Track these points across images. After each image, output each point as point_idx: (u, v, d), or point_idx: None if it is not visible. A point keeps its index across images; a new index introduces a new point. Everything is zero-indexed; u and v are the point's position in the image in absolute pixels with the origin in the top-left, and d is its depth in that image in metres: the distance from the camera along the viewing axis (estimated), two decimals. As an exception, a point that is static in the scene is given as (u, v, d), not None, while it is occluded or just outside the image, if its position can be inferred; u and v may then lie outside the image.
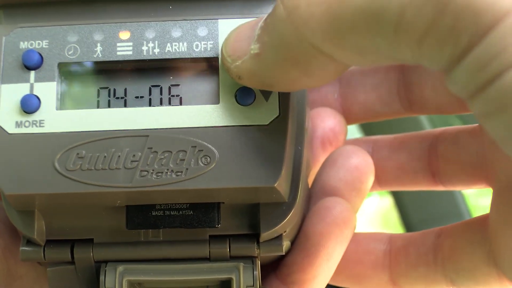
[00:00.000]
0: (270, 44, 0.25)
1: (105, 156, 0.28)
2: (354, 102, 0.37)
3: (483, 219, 0.32)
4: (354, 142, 0.38)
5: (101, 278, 0.30)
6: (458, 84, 0.22)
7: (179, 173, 0.27)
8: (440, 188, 0.36)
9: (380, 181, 0.37)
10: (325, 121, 0.35)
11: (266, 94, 0.28)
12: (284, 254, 0.31)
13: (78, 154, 0.28)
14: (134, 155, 0.28)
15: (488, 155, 0.33)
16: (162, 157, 0.28)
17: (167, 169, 0.27)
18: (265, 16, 0.26)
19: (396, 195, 0.78)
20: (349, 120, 0.38)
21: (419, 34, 0.22)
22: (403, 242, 0.35)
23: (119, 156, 0.28)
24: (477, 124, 0.35)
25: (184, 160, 0.28)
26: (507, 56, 0.20)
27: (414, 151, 0.36)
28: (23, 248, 0.30)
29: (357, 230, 0.36)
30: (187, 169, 0.27)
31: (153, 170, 0.27)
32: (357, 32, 0.23)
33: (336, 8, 0.23)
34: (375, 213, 0.79)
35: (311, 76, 0.26)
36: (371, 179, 0.34)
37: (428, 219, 0.75)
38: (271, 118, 0.28)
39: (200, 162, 0.28)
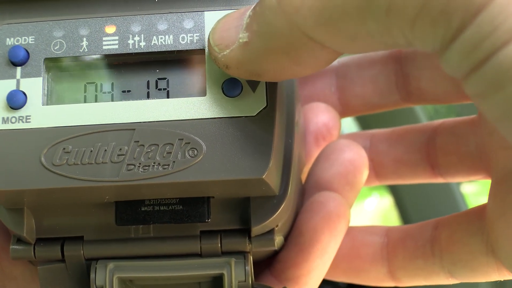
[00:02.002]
0: (259, 32, 0.25)
1: (91, 151, 0.27)
2: (352, 94, 0.37)
3: (481, 210, 0.32)
4: (352, 136, 0.38)
5: (92, 275, 0.29)
6: (452, 64, 0.22)
7: (166, 166, 0.27)
8: (440, 180, 0.36)
9: (378, 174, 0.37)
10: (318, 116, 0.35)
11: (253, 85, 0.28)
12: (276, 249, 0.31)
13: (64, 149, 0.27)
14: (120, 149, 0.27)
15: (486, 146, 0.33)
16: (149, 150, 0.27)
17: (154, 163, 0.27)
18: (253, 4, 0.26)
19: (396, 195, 0.78)
20: (347, 113, 0.37)
21: (411, 16, 0.22)
22: (400, 235, 0.34)
23: (105, 150, 0.27)
24: (475, 115, 0.34)
25: (171, 153, 0.27)
26: (498, 36, 0.20)
27: (412, 144, 0.36)
28: (13, 246, 0.30)
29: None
30: (174, 162, 0.27)
31: (139, 163, 0.27)
32: (349, 17, 0.23)
33: None
34: (375, 213, 0.79)
35: (301, 64, 0.26)
36: (365, 173, 0.34)
37: (428, 219, 0.75)
38: (259, 109, 0.28)
39: (187, 154, 0.27)
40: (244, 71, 0.27)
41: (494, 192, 0.30)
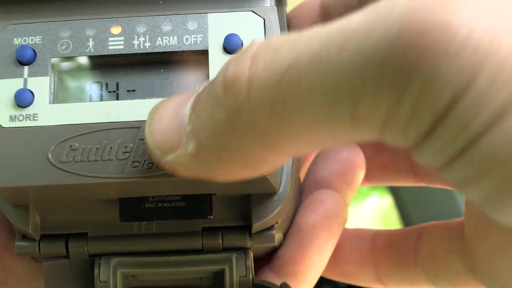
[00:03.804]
0: (207, 144, 0.23)
1: (97, 148, 0.28)
2: None
3: (460, 225, 0.32)
4: None
5: (95, 271, 0.30)
6: (427, 157, 0.21)
7: None
8: (422, 184, 0.37)
9: (367, 176, 0.38)
10: None
11: None
12: (276, 245, 0.32)
13: (71, 146, 0.28)
14: (126, 146, 0.28)
15: None
16: None
17: None
18: (195, 93, 0.24)
19: (396, 195, 0.78)
20: None
21: (378, 124, 0.20)
22: (385, 241, 0.35)
23: (111, 147, 0.28)
24: None
25: None
26: (476, 125, 0.19)
27: (397, 150, 0.36)
28: (18, 243, 0.30)
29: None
30: None
31: (144, 161, 0.28)
32: (312, 128, 0.21)
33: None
34: (375, 213, 0.79)
35: (257, 170, 0.24)
36: (362, 172, 0.35)
37: (428, 219, 0.75)
38: None
39: None
40: (194, 176, 0.25)
41: (468, 211, 0.31)
